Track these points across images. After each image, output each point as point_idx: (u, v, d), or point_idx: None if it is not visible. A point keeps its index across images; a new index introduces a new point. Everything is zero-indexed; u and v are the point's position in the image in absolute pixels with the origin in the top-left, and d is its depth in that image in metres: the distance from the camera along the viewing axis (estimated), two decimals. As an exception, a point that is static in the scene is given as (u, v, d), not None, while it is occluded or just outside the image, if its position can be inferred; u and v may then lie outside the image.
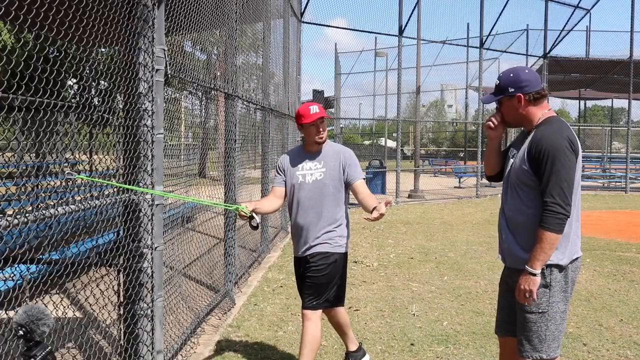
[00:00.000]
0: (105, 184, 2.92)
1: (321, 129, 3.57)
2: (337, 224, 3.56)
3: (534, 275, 2.65)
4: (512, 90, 2.76)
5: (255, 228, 3.34)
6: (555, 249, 2.65)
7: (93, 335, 4.42)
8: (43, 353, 1.79)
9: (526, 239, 2.75)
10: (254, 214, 3.28)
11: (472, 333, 4.76)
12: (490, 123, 2.91)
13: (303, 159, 3.65)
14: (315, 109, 3.55)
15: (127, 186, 3.05)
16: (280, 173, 3.71)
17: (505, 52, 19.96)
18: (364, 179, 3.66)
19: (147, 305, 3.28)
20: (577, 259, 2.82)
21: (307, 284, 3.54)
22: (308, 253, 3.57)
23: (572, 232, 2.77)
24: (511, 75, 2.79)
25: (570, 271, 2.77)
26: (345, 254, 3.62)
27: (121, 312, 3.33)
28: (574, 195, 2.70)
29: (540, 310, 2.73)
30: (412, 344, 4.50)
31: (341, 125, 25.41)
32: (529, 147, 2.71)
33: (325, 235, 3.54)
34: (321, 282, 3.50)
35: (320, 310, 3.53)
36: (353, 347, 3.99)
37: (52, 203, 6.28)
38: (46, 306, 1.92)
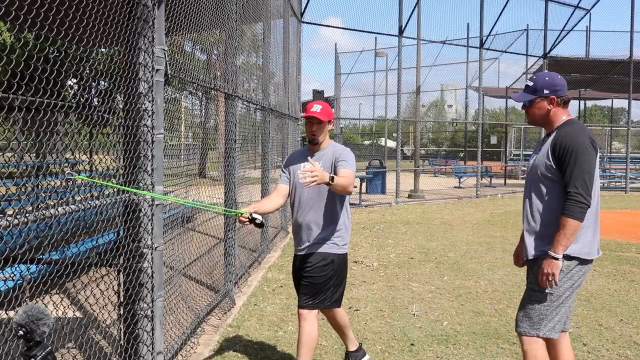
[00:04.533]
0: (105, 185, 2.92)
1: (314, 129, 3.58)
2: (336, 225, 3.56)
3: (557, 259, 2.85)
4: (547, 92, 3.02)
5: (260, 226, 3.34)
6: (576, 235, 2.85)
7: (93, 335, 4.42)
8: (43, 353, 1.79)
9: (551, 232, 2.92)
10: (253, 215, 3.28)
11: (472, 333, 4.76)
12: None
13: (306, 159, 3.67)
14: (317, 108, 3.56)
15: (126, 188, 3.05)
16: (285, 171, 3.74)
17: (505, 52, 19.97)
18: (356, 176, 3.64)
19: (147, 305, 3.28)
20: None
21: (304, 284, 3.55)
22: (306, 252, 3.58)
23: (597, 228, 2.99)
24: (547, 78, 3.06)
25: (586, 266, 2.97)
26: (344, 255, 3.61)
27: (121, 312, 3.33)
28: (593, 191, 2.91)
29: (548, 290, 2.93)
30: (412, 344, 4.49)
31: (341, 125, 25.41)
32: (553, 143, 2.94)
33: (323, 236, 3.54)
34: (317, 282, 3.50)
35: (317, 310, 3.53)
36: (353, 347, 3.99)
37: (52, 203, 6.28)
38: (46, 306, 1.92)
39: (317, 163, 3.44)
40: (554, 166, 2.91)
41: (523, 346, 3.03)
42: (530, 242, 3.04)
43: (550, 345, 3.06)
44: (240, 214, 3.32)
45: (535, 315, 2.96)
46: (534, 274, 3.01)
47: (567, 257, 2.90)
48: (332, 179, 3.30)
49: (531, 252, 3.04)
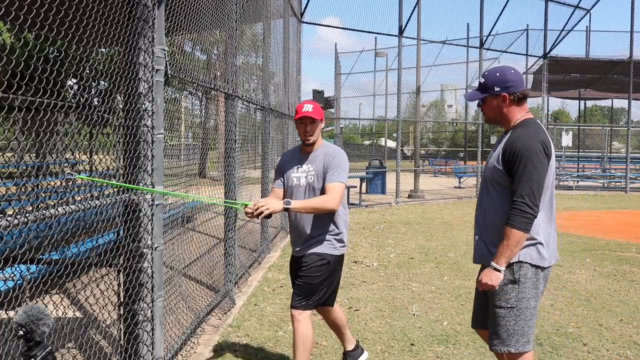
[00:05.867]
0: (106, 184, 2.92)
1: (308, 129, 3.53)
2: (332, 225, 3.54)
3: (498, 271, 2.72)
4: (498, 89, 2.82)
5: (268, 216, 3.37)
6: (520, 246, 2.71)
7: (93, 335, 4.42)
8: (43, 353, 1.79)
9: (498, 237, 2.78)
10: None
11: (472, 333, 4.75)
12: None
13: (298, 161, 3.64)
14: (308, 107, 3.51)
15: (131, 186, 3.05)
16: (279, 174, 3.72)
17: (505, 52, 19.97)
18: (345, 183, 3.51)
19: (147, 305, 3.28)
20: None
21: (298, 284, 3.53)
22: (302, 254, 3.57)
23: (552, 235, 2.84)
24: (497, 74, 2.84)
25: (545, 272, 2.84)
26: (339, 257, 3.59)
27: (121, 312, 3.33)
28: (549, 198, 2.78)
29: (509, 305, 2.78)
30: (412, 344, 4.50)
31: (341, 125, 25.40)
32: (504, 147, 2.78)
33: (319, 237, 3.52)
34: (312, 282, 3.48)
35: (310, 311, 3.51)
36: (350, 346, 3.98)
37: (52, 203, 6.28)
38: (46, 306, 1.92)
39: (263, 201, 3.38)
40: (503, 171, 2.75)
41: None
42: (479, 247, 2.91)
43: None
44: (245, 206, 3.32)
45: (503, 332, 2.80)
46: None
47: (533, 266, 2.77)
48: (287, 203, 3.32)
49: (480, 257, 2.91)
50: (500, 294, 2.80)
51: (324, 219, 3.53)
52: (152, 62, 3.22)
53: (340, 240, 3.58)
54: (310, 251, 3.53)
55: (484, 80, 2.86)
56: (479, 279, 2.80)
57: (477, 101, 2.95)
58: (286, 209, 3.35)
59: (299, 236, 3.60)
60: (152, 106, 3.22)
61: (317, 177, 3.53)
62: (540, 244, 2.78)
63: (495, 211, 2.82)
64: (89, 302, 3.53)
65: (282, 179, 3.68)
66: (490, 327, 2.88)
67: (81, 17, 2.69)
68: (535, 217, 2.69)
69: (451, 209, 14.24)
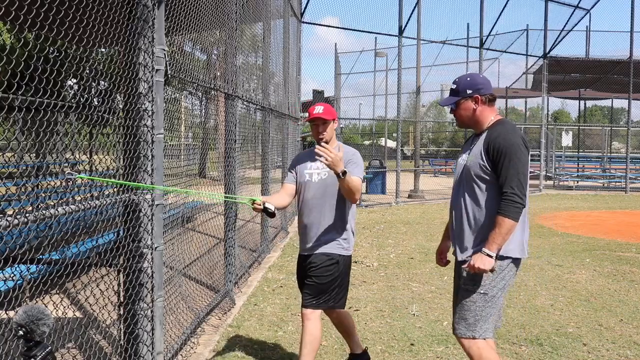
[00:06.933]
0: (107, 184, 2.92)
1: (320, 129, 3.60)
2: (341, 226, 3.55)
3: (490, 256, 2.83)
4: (470, 92, 3.03)
5: (272, 215, 3.36)
6: (510, 235, 2.84)
7: (93, 335, 4.42)
8: (43, 353, 1.79)
9: (483, 231, 2.92)
10: (266, 205, 3.30)
11: (472, 333, 4.75)
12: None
13: (313, 158, 3.66)
14: (319, 109, 3.59)
15: (134, 184, 3.05)
16: (292, 171, 3.75)
17: (505, 52, 19.98)
18: (362, 179, 3.61)
19: (147, 305, 3.28)
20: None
21: (308, 283, 3.54)
22: (311, 253, 3.57)
23: (524, 230, 2.97)
24: (468, 79, 3.08)
25: (517, 266, 2.99)
26: (348, 257, 3.60)
27: (121, 312, 3.33)
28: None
29: (482, 291, 2.93)
30: (412, 344, 4.50)
31: (341, 126, 25.39)
32: (486, 144, 2.93)
33: (329, 236, 3.54)
34: (322, 282, 3.49)
35: (320, 310, 3.53)
36: (358, 350, 3.97)
37: (52, 203, 6.28)
38: (46, 306, 1.92)
39: (338, 151, 3.37)
40: (488, 167, 2.89)
41: (465, 349, 3.02)
42: (463, 244, 3.00)
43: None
44: (253, 201, 3.33)
45: (471, 317, 2.94)
46: (467, 274, 2.96)
47: (501, 258, 2.89)
48: (344, 173, 3.29)
49: (463, 254, 3.00)
50: (476, 278, 2.93)
51: (334, 219, 3.54)
52: (152, 62, 3.22)
53: (348, 242, 3.59)
54: (319, 251, 3.54)
55: (455, 86, 3.08)
56: (470, 263, 2.88)
57: (450, 107, 3.11)
58: (340, 176, 3.28)
59: (308, 234, 3.60)
60: (152, 106, 3.22)
61: (332, 174, 3.53)
62: (515, 237, 2.91)
63: (481, 206, 2.94)
64: (89, 302, 3.54)
65: (294, 175, 3.71)
66: (457, 312, 3.02)
67: (81, 17, 2.69)
68: (524, 207, 2.84)
69: (451, 209, 14.23)
